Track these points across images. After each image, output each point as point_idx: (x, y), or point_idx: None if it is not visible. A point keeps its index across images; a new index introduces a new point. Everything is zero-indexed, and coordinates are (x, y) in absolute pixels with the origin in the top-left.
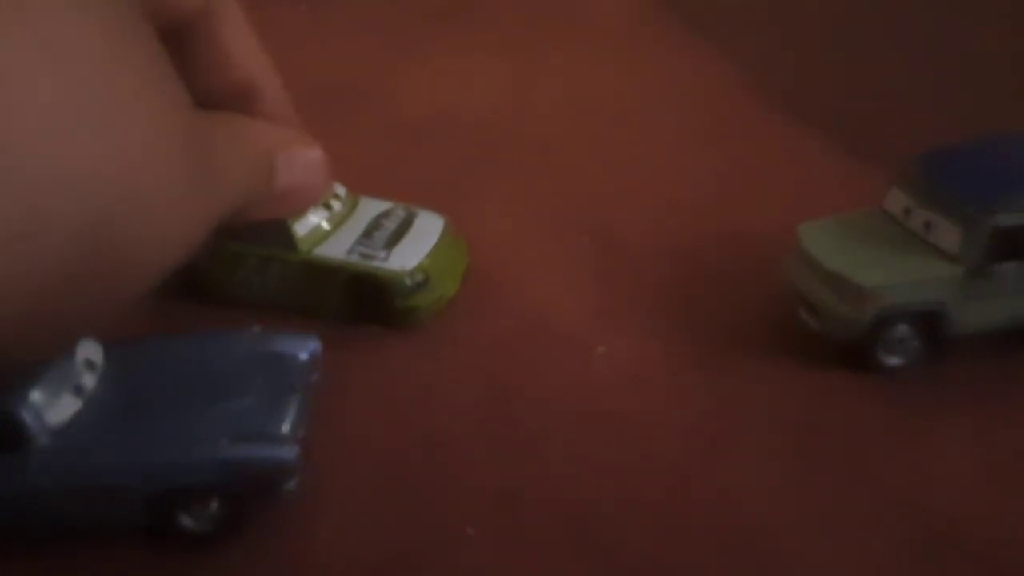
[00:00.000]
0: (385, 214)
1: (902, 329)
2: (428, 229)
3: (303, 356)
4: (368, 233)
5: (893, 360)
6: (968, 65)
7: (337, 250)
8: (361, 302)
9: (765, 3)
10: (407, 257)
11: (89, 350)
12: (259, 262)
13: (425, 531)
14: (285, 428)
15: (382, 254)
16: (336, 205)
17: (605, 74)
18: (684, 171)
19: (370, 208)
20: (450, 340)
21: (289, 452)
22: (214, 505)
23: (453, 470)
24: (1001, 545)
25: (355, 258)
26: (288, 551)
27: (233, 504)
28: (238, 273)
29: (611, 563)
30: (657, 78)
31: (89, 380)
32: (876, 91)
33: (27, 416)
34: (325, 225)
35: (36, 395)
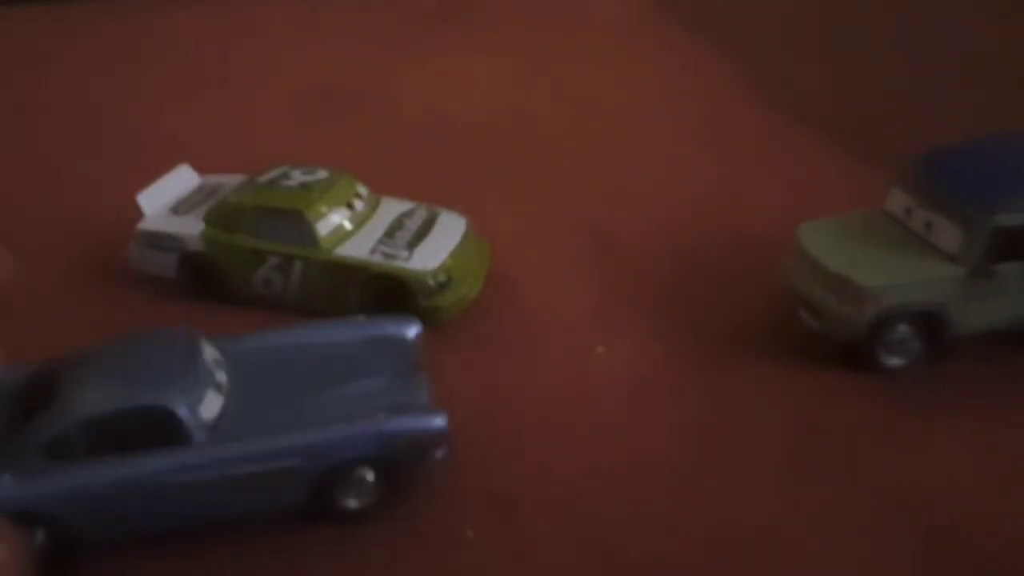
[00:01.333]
0: (407, 214)
1: (902, 329)
2: (450, 229)
3: (411, 334)
4: (390, 233)
5: (893, 360)
6: (968, 65)
7: (359, 249)
8: (383, 301)
9: (765, 3)
10: (430, 257)
11: (210, 349)
12: (282, 261)
13: (425, 532)
14: (425, 399)
15: (404, 254)
16: (358, 205)
17: (605, 74)
18: (684, 171)
19: (392, 208)
20: (449, 340)
21: (441, 420)
22: (370, 479)
23: (452, 471)
24: (1002, 545)
25: (377, 257)
26: (286, 552)
27: (389, 476)
28: (260, 272)
29: (611, 563)
30: (657, 78)
31: (222, 377)
32: (876, 91)
33: (183, 412)
34: (347, 225)
35: (186, 394)
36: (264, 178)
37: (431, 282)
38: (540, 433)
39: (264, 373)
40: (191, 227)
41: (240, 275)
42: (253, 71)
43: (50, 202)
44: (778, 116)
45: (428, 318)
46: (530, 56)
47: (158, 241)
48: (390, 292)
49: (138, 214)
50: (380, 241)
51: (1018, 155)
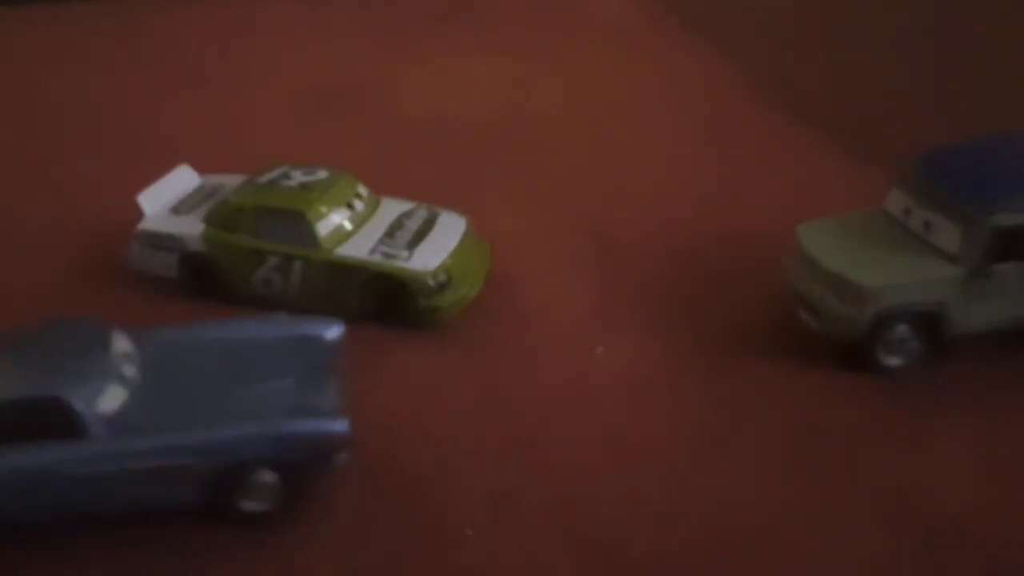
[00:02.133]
0: (407, 214)
1: (902, 329)
2: (450, 229)
3: (330, 336)
4: (391, 233)
5: (893, 360)
6: (968, 65)
7: (359, 249)
8: (383, 301)
9: (765, 4)
10: (430, 257)
11: (123, 342)
12: (282, 261)
13: (424, 531)
14: (332, 403)
15: (404, 254)
16: (358, 205)
17: (605, 74)
18: (684, 171)
19: (392, 208)
20: (449, 340)
21: (342, 424)
22: (270, 482)
23: (452, 470)
24: (1001, 544)
25: (377, 257)
26: (286, 550)
27: (288, 480)
28: (260, 272)
29: (611, 563)
30: (657, 78)
31: (129, 370)
32: (876, 91)
33: (79, 405)
34: (347, 225)
35: (85, 387)
36: (264, 178)
37: (431, 282)
38: (540, 433)
39: (175, 368)
40: (191, 227)
41: (240, 275)
42: (253, 71)
43: (50, 202)
44: (778, 116)
45: (428, 318)
46: (530, 56)
47: (158, 241)
48: (390, 292)
49: (138, 214)
50: (380, 241)
51: (1017, 155)
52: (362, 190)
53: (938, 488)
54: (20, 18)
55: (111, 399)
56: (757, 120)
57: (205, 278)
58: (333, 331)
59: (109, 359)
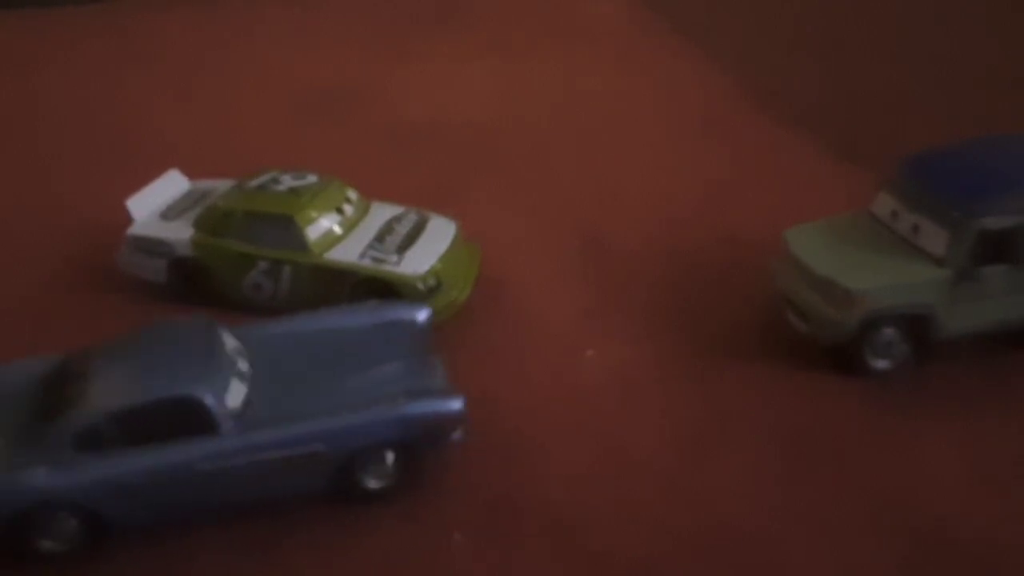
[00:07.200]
0: (397, 218)
1: (889, 332)
2: (440, 234)
3: (421, 319)
4: (380, 237)
5: (881, 363)
6: (963, 68)
7: (349, 254)
8: None
9: (757, 7)
10: (419, 261)
11: (231, 338)
12: (271, 265)
13: (414, 536)
14: (441, 383)
15: (394, 258)
16: (348, 209)
17: (597, 78)
18: (676, 174)
19: (382, 212)
20: (439, 343)
21: (459, 403)
22: (390, 460)
23: (441, 475)
24: (988, 545)
25: (367, 262)
26: (272, 555)
27: (408, 457)
28: (250, 276)
29: (599, 567)
30: (650, 82)
31: (243, 365)
32: (872, 94)
33: (210, 402)
34: (337, 229)
35: (211, 384)
36: (253, 183)
37: (420, 286)
38: (531, 437)
39: (283, 360)
40: (180, 232)
41: (229, 279)
42: (246, 74)
43: (42, 205)
44: (771, 119)
45: None
46: (523, 60)
47: (148, 246)
48: (379, 296)
49: (129, 218)
50: (370, 245)
51: (1004, 158)
52: (352, 194)
53: (925, 489)
54: (11, 21)
55: (235, 394)
56: (749, 123)
57: (194, 282)
58: (423, 313)
59: (225, 356)
